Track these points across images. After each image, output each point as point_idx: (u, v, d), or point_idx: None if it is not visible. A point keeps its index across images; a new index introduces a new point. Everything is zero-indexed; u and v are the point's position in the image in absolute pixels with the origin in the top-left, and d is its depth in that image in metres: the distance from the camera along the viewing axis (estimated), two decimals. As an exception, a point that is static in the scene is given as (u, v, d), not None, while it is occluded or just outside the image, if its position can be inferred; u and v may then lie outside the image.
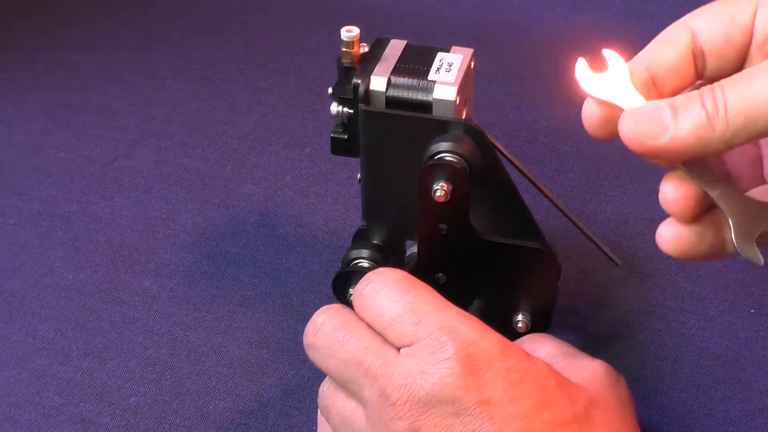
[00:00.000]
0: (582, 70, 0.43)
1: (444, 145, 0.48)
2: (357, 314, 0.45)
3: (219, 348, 0.58)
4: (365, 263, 0.53)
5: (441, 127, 0.49)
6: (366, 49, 0.51)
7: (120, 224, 0.67)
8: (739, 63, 0.43)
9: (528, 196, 0.53)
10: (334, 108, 0.51)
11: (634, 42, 0.88)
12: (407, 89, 0.49)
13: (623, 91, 0.42)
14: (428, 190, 0.48)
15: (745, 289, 0.61)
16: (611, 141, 0.77)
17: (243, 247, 0.65)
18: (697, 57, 0.43)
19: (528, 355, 0.43)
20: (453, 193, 0.48)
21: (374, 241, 0.54)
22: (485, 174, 0.50)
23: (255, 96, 0.79)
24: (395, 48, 0.52)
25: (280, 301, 0.61)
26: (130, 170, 0.71)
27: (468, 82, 0.51)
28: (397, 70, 0.50)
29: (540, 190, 0.51)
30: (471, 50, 0.51)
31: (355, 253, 0.54)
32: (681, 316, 0.59)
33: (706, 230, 0.42)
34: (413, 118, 0.49)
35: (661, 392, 0.54)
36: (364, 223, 0.54)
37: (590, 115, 0.43)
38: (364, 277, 0.45)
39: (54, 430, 0.54)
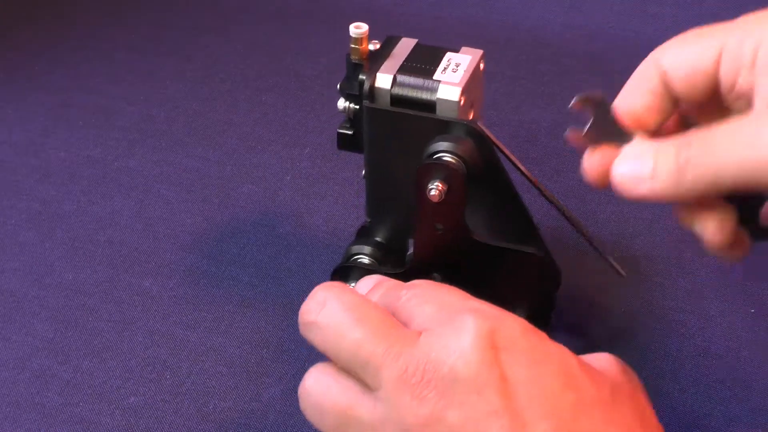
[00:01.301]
0: (574, 135, 0.47)
1: (443, 145, 0.48)
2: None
3: (219, 348, 0.58)
4: (365, 260, 0.53)
5: (443, 127, 0.49)
6: (377, 47, 0.51)
7: (120, 224, 0.67)
8: (709, 92, 0.45)
9: (529, 197, 0.53)
10: (341, 104, 0.51)
11: (633, 41, 0.89)
12: (412, 88, 0.49)
13: (612, 131, 0.46)
14: (424, 189, 0.48)
15: (745, 289, 0.61)
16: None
17: (243, 247, 0.65)
18: (671, 91, 0.45)
19: (550, 339, 0.42)
20: (448, 194, 0.48)
21: (377, 239, 0.54)
22: (485, 176, 0.50)
23: (255, 96, 0.79)
24: (405, 46, 0.52)
25: (280, 301, 0.61)
26: (130, 170, 0.71)
27: (475, 84, 0.51)
28: (403, 69, 0.50)
29: (542, 193, 0.51)
30: (480, 51, 0.51)
31: (356, 248, 0.54)
32: (681, 316, 0.59)
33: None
34: (415, 117, 0.49)
35: (661, 392, 0.54)
36: (368, 220, 0.54)
37: (590, 169, 0.47)
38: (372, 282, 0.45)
39: (54, 430, 0.54)
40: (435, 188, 0.48)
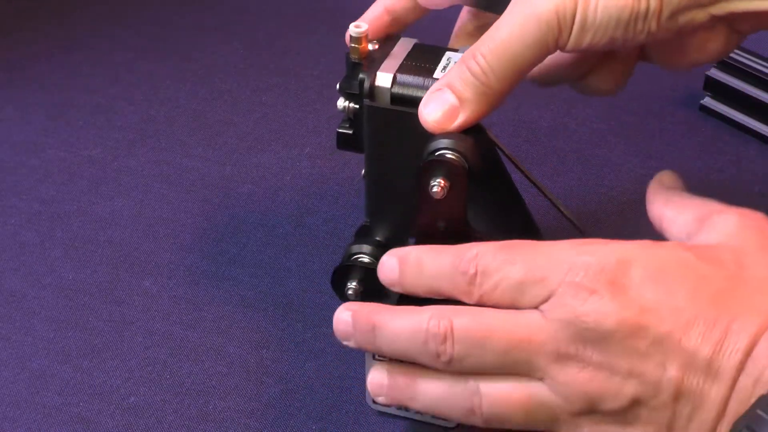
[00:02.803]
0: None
1: (444, 142, 0.48)
2: (465, 298, 0.44)
3: (219, 348, 0.58)
4: (366, 258, 0.53)
5: None
6: (376, 47, 0.51)
7: (120, 224, 0.67)
8: None
9: (528, 196, 0.53)
10: (341, 103, 0.51)
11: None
12: (412, 87, 0.49)
13: None
14: (426, 186, 0.48)
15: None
16: (611, 141, 0.77)
17: (243, 247, 0.65)
18: None
19: (654, 244, 0.43)
20: (450, 190, 0.48)
21: (377, 238, 0.54)
22: (486, 173, 0.49)
23: (255, 96, 0.79)
24: (404, 46, 0.52)
25: (280, 301, 0.61)
26: (130, 170, 0.71)
27: None
28: (403, 68, 0.50)
29: (541, 191, 0.51)
30: None
31: (356, 248, 0.53)
32: (681, 316, 0.59)
33: None
34: (416, 115, 0.49)
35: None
36: (368, 220, 0.54)
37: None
38: (459, 258, 0.45)
39: (54, 430, 0.54)
40: (437, 185, 0.48)
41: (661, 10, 0.44)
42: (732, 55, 0.73)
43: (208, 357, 0.57)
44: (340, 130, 0.52)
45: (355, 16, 0.54)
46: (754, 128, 0.73)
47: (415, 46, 0.52)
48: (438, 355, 0.44)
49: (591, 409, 0.42)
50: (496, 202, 0.52)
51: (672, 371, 0.41)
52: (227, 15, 0.89)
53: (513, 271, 0.43)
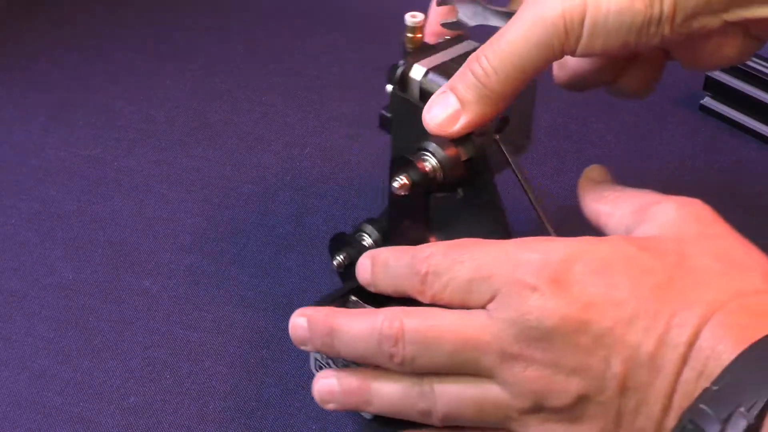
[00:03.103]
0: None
1: (430, 146, 0.49)
2: (419, 297, 0.45)
3: (219, 348, 0.58)
4: (367, 240, 0.54)
5: None
6: (440, 40, 0.53)
7: (120, 224, 0.67)
8: None
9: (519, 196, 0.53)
10: (389, 87, 0.52)
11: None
12: (438, 86, 0.50)
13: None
14: (391, 180, 0.49)
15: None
16: (611, 141, 0.77)
17: (243, 247, 0.65)
18: None
19: (596, 240, 0.43)
20: (413, 192, 0.48)
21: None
22: (474, 191, 0.50)
23: (255, 96, 0.79)
24: (462, 47, 0.52)
25: (280, 301, 0.61)
26: (130, 170, 0.71)
27: None
28: (441, 66, 0.50)
29: (525, 190, 0.51)
30: None
31: (367, 227, 0.54)
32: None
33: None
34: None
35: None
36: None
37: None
38: (413, 259, 0.45)
39: (54, 430, 0.54)
40: (399, 181, 0.48)
41: (674, 15, 0.44)
42: (732, 55, 0.73)
43: (208, 357, 0.57)
44: (383, 112, 0.53)
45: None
46: (754, 128, 0.73)
47: (473, 49, 0.52)
48: (391, 357, 0.44)
49: (538, 407, 0.43)
50: (478, 221, 0.51)
51: (616, 366, 0.40)
52: (227, 15, 0.89)
53: (461, 270, 0.44)
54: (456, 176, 0.49)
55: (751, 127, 0.73)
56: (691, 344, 0.40)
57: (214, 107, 0.78)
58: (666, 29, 0.44)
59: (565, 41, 0.45)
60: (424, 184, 0.48)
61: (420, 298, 0.45)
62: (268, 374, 0.56)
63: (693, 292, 0.41)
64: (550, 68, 0.54)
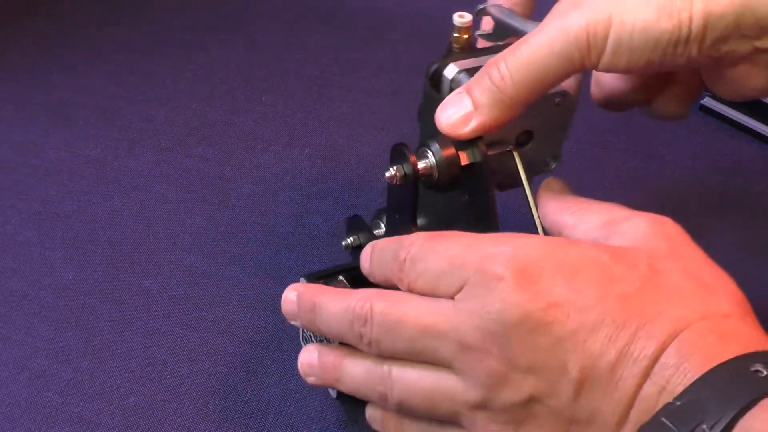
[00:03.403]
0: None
1: (433, 145, 0.49)
2: (399, 285, 0.45)
3: (219, 348, 0.58)
4: (381, 230, 0.54)
5: None
6: (498, 44, 0.53)
7: (120, 224, 0.67)
8: None
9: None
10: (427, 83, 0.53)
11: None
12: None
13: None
14: (388, 167, 0.49)
15: (745, 289, 0.61)
16: (611, 141, 0.77)
17: (243, 247, 0.65)
18: None
19: (571, 242, 0.43)
20: (401, 182, 0.49)
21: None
22: (472, 198, 0.50)
23: (255, 96, 0.79)
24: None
25: (280, 300, 0.61)
26: (130, 170, 0.71)
27: (536, 113, 0.50)
28: (474, 69, 0.50)
29: (528, 198, 0.51)
30: (562, 89, 0.50)
31: (384, 217, 0.54)
32: (681, 316, 0.59)
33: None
34: None
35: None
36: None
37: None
38: (398, 247, 0.45)
39: (54, 430, 0.54)
40: (391, 171, 0.49)
41: (704, 37, 0.43)
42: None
43: (208, 357, 0.57)
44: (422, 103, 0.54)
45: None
46: (754, 128, 0.73)
47: None
48: (361, 337, 0.45)
49: (488, 401, 0.42)
50: (470, 216, 0.52)
51: (573, 372, 0.40)
52: (227, 15, 0.89)
53: (435, 259, 0.44)
54: (451, 178, 0.49)
55: (751, 127, 0.73)
56: (655, 359, 0.39)
57: (214, 107, 0.78)
58: (693, 50, 0.43)
59: (586, 55, 0.44)
60: (415, 179, 0.49)
61: (399, 285, 0.45)
62: (268, 374, 0.56)
63: (661, 306, 0.40)
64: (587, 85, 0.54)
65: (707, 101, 0.75)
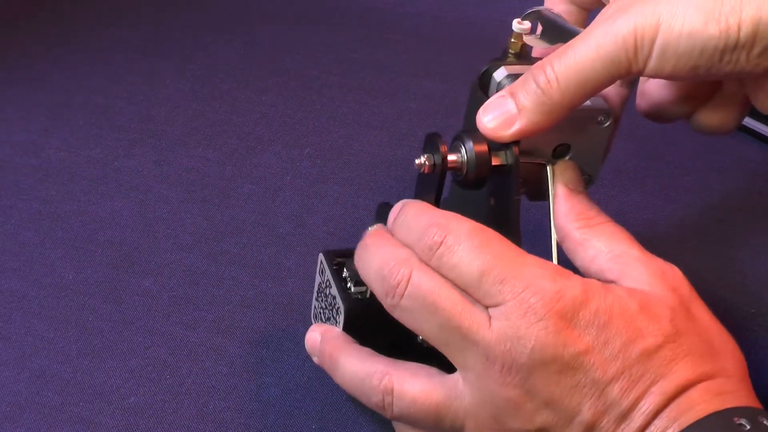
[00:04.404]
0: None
1: (466, 138, 0.49)
2: (435, 270, 0.45)
3: (219, 348, 0.58)
4: None
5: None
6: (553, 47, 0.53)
7: (120, 224, 0.67)
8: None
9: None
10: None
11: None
12: None
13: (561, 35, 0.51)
14: (420, 153, 0.49)
15: (745, 289, 0.61)
16: (612, 143, 0.76)
17: (243, 247, 0.65)
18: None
19: (606, 289, 0.44)
20: (431, 171, 0.49)
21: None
22: (498, 202, 0.50)
23: (255, 96, 0.79)
24: None
25: (280, 301, 0.61)
26: (130, 170, 0.71)
27: (574, 126, 0.50)
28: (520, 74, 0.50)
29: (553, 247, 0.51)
30: (603, 106, 0.50)
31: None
32: (681, 316, 0.59)
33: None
34: None
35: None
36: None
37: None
38: (430, 224, 0.46)
39: (54, 430, 0.54)
40: (421, 159, 0.49)
41: (753, 44, 0.43)
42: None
43: (208, 357, 0.57)
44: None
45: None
46: (754, 128, 0.73)
47: None
48: (387, 295, 0.46)
49: (497, 423, 0.44)
50: (493, 221, 0.52)
51: (587, 414, 0.42)
52: (227, 15, 0.89)
53: (477, 259, 0.44)
54: (480, 177, 0.49)
55: (751, 127, 0.73)
56: (659, 412, 0.42)
57: (214, 107, 0.78)
58: (742, 58, 0.43)
59: (633, 58, 0.44)
60: (443, 171, 0.49)
61: (425, 260, 0.46)
62: (268, 374, 0.56)
63: (675, 365, 0.43)
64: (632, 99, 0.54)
65: (707, 101, 0.75)
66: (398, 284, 0.45)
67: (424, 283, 0.45)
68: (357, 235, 0.64)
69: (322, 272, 0.55)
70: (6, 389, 0.56)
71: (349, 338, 0.51)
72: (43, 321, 0.60)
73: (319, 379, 0.56)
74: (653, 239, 0.65)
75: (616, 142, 0.75)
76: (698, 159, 0.72)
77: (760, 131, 0.73)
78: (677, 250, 0.63)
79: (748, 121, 0.73)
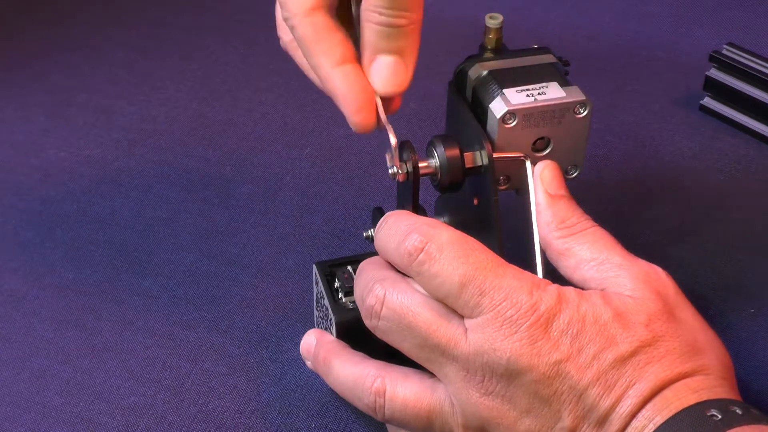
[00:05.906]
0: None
1: (438, 143, 0.49)
2: (414, 278, 0.46)
3: (219, 348, 0.58)
4: None
5: (477, 136, 0.49)
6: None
7: (120, 224, 0.67)
8: None
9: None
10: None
11: (632, 41, 0.89)
12: (485, 89, 0.50)
13: None
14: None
15: (745, 289, 0.61)
16: (611, 141, 0.77)
17: (243, 247, 0.65)
18: None
19: (581, 296, 0.45)
20: (406, 179, 0.49)
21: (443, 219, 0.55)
22: (480, 203, 0.50)
23: (255, 96, 0.79)
24: (537, 59, 0.52)
25: (280, 301, 0.61)
26: (130, 170, 0.71)
27: (549, 121, 0.50)
28: (499, 72, 0.50)
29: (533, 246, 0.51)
30: (582, 98, 0.50)
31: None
32: (681, 316, 0.59)
33: None
34: (464, 110, 0.50)
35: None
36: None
37: None
38: (410, 231, 0.46)
39: (54, 430, 0.54)
40: (393, 168, 0.49)
41: None
42: (732, 55, 0.73)
43: (208, 357, 0.57)
44: None
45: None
46: (754, 128, 0.73)
47: (543, 65, 0.52)
48: (365, 317, 0.47)
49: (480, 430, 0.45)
50: (477, 220, 0.52)
51: (567, 420, 0.43)
52: (227, 15, 0.89)
53: (460, 269, 0.44)
54: (455, 180, 0.49)
55: (751, 127, 0.73)
56: (635, 414, 0.43)
57: (214, 107, 0.78)
58: None
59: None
60: (416, 177, 0.49)
61: (404, 271, 0.47)
62: (268, 374, 0.56)
63: (651, 368, 0.43)
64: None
65: (707, 101, 0.75)
66: (373, 306, 0.46)
67: (399, 302, 0.46)
68: (357, 235, 0.64)
69: (316, 283, 0.55)
70: (6, 389, 0.56)
71: (343, 344, 0.52)
72: (43, 321, 0.60)
73: (319, 379, 0.56)
74: (652, 239, 0.65)
75: (615, 142, 0.75)
76: (698, 159, 0.72)
77: (760, 131, 0.73)
78: (677, 250, 0.64)
79: (748, 121, 0.73)
